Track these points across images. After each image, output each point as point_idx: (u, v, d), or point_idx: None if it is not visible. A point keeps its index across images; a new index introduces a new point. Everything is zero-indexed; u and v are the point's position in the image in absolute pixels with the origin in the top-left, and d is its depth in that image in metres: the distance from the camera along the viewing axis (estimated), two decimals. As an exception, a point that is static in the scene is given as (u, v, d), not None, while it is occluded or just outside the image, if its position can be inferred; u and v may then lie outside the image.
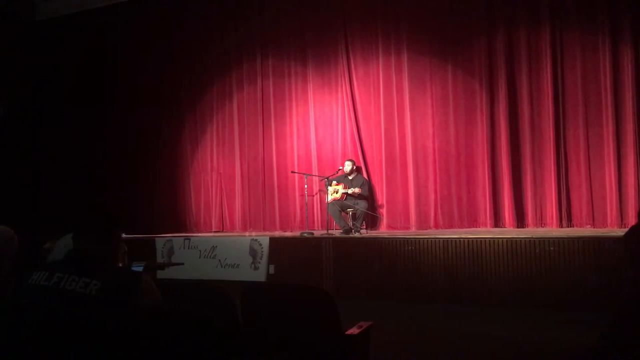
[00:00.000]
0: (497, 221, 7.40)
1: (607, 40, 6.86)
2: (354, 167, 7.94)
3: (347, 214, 7.68)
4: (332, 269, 6.82)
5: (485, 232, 6.89)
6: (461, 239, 6.17)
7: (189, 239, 7.94)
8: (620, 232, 5.84)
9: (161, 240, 8.08)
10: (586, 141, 7.02)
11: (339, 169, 7.98)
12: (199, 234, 8.79)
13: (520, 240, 5.86)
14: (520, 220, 7.27)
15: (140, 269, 2.66)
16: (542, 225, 7.16)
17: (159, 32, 9.74)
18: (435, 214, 7.78)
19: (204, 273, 7.35)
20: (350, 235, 7.26)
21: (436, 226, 7.72)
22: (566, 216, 7.05)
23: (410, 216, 7.91)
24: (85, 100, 10.08)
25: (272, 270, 7.19)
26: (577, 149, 7.08)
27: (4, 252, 2.72)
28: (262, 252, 7.28)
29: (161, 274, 6.93)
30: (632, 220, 6.27)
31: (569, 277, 5.57)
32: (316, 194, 8.57)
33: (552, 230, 6.85)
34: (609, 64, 6.85)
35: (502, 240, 5.96)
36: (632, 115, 6.73)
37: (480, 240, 6.06)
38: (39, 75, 10.21)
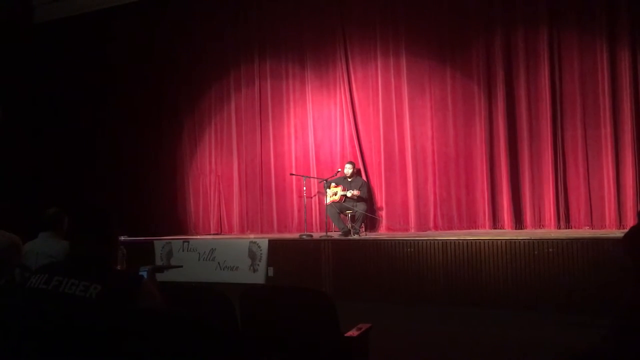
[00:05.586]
0: (496, 222, 7.41)
1: (605, 42, 6.87)
2: (354, 170, 7.94)
3: (346, 216, 7.68)
4: (331, 271, 6.82)
5: (484, 233, 6.90)
6: (460, 241, 6.17)
7: (188, 242, 7.93)
8: (619, 233, 5.86)
9: (160, 242, 8.07)
10: (584, 142, 7.03)
11: (338, 171, 7.99)
12: (198, 237, 8.78)
13: (519, 242, 5.87)
14: (518, 221, 7.27)
15: (145, 273, 2.66)
16: (541, 226, 7.16)
17: (157, 34, 9.74)
18: (435, 216, 7.78)
19: (203, 275, 7.34)
20: (349, 237, 7.25)
21: (435, 228, 7.72)
22: (564, 217, 7.05)
23: (409, 218, 7.91)
24: (84, 102, 10.08)
25: (271, 272, 7.18)
26: (575, 150, 7.09)
27: (10, 259, 2.73)
28: (261, 254, 7.27)
29: (160, 277, 6.90)
30: (630, 221, 6.29)
31: (567, 279, 5.57)
32: (314, 195, 8.57)
33: (551, 231, 6.86)
34: (607, 65, 6.86)
35: (501, 242, 5.96)
36: (630, 116, 6.74)
37: (479, 242, 6.07)
38: (38, 77, 10.20)
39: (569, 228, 6.98)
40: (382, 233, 7.96)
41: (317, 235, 7.62)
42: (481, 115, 7.56)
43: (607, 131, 6.85)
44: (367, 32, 8.35)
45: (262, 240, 7.40)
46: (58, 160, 10.10)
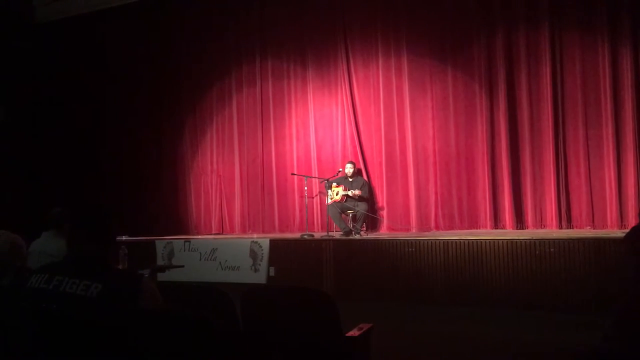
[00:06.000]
0: (497, 222, 7.40)
1: (607, 42, 6.87)
2: (355, 170, 7.94)
3: (347, 215, 7.68)
4: (333, 270, 6.82)
5: (486, 233, 6.89)
6: (461, 240, 6.17)
7: (189, 242, 7.94)
8: (620, 233, 5.85)
9: (161, 242, 8.07)
10: (586, 142, 7.03)
11: (339, 171, 7.98)
12: (199, 236, 8.79)
13: (521, 242, 5.86)
14: (520, 221, 7.27)
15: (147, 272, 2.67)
16: (542, 226, 7.16)
17: (159, 34, 9.75)
18: (436, 216, 7.78)
19: (204, 275, 7.34)
20: (351, 237, 7.26)
21: (437, 227, 7.71)
22: (566, 217, 7.04)
23: (410, 218, 7.91)
24: (85, 103, 10.08)
25: (272, 272, 7.18)
26: (576, 150, 7.08)
27: (12, 260, 2.72)
28: (262, 254, 7.27)
29: (161, 277, 6.92)
30: (632, 221, 6.28)
31: (569, 278, 5.56)
32: (316, 195, 8.57)
33: (552, 231, 6.85)
34: (608, 65, 6.85)
35: (502, 242, 5.95)
36: (632, 116, 6.74)
37: (481, 242, 6.06)
38: (39, 77, 10.20)
39: (570, 228, 6.97)
40: (383, 233, 7.95)
41: (318, 235, 7.62)
42: (482, 114, 7.56)
43: (608, 131, 6.84)
44: (368, 32, 8.35)
45: (264, 240, 7.40)
46: (58, 160, 10.10)
